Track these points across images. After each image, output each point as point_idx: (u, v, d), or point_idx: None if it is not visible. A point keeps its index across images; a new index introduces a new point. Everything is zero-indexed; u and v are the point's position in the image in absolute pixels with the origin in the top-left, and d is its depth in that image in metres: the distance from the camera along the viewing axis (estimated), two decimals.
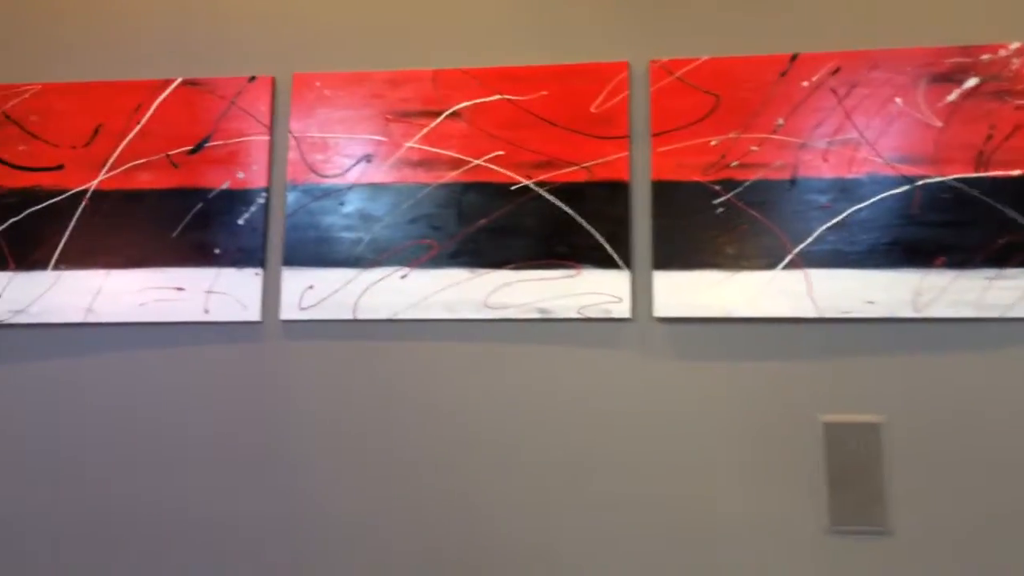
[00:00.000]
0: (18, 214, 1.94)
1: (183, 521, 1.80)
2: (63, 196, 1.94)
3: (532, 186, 1.86)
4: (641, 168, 1.84)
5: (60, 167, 1.95)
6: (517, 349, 1.81)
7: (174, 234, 1.91)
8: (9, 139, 1.97)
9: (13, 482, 1.85)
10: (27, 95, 1.99)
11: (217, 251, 1.89)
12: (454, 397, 1.80)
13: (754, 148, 1.80)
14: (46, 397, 1.87)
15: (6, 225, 1.93)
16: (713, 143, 1.82)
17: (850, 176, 1.77)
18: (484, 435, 1.78)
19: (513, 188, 1.86)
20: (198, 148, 1.94)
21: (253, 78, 1.96)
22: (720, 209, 1.79)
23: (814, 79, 1.81)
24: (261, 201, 1.91)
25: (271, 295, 1.87)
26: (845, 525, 1.69)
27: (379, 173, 1.90)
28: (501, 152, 1.88)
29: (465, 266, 1.84)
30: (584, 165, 1.85)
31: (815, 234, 1.76)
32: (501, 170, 1.87)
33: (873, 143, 1.78)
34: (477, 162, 1.88)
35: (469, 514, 1.75)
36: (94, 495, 1.83)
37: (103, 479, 1.83)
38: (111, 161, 1.95)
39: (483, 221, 1.86)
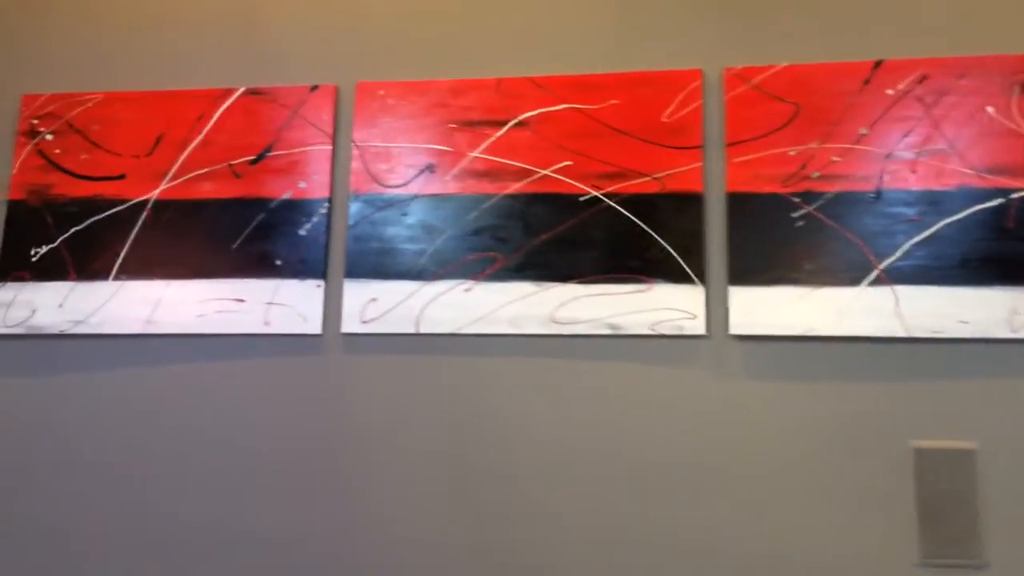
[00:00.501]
0: (80, 223, 1.92)
1: (242, 536, 1.76)
2: (125, 206, 1.92)
3: (601, 197, 1.79)
4: (715, 179, 1.77)
5: (122, 176, 1.94)
6: (585, 366, 1.74)
7: (235, 245, 1.88)
8: (72, 148, 1.96)
9: (70, 493, 1.82)
10: (90, 104, 1.98)
11: (278, 262, 1.86)
12: (519, 414, 1.73)
13: (836, 159, 1.72)
14: (106, 408, 1.84)
15: (68, 234, 1.92)
16: (792, 153, 1.74)
17: (939, 188, 1.68)
18: (549, 454, 1.71)
19: (581, 199, 1.80)
20: (260, 158, 1.91)
21: (316, 87, 1.93)
22: (800, 222, 1.71)
23: (899, 87, 1.73)
24: (323, 211, 1.87)
25: (332, 307, 1.83)
26: (937, 558, 1.58)
27: (443, 183, 1.85)
28: (569, 162, 1.82)
29: (531, 280, 1.78)
30: (655, 176, 1.78)
31: (902, 249, 1.67)
32: (569, 181, 1.81)
33: (963, 154, 1.69)
34: (544, 172, 1.82)
35: (533, 534, 1.68)
36: (152, 507, 1.79)
37: (160, 491, 1.79)
38: (173, 171, 1.92)
39: (550, 233, 1.80)
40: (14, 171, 1.96)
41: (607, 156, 1.81)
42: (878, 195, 1.70)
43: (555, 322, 1.76)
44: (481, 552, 1.69)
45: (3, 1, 2.07)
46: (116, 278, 1.88)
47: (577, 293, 1.76)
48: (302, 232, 1.87)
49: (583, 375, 1.73)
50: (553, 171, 1.82)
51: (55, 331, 1.87)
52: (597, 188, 1.80)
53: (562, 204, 1.81)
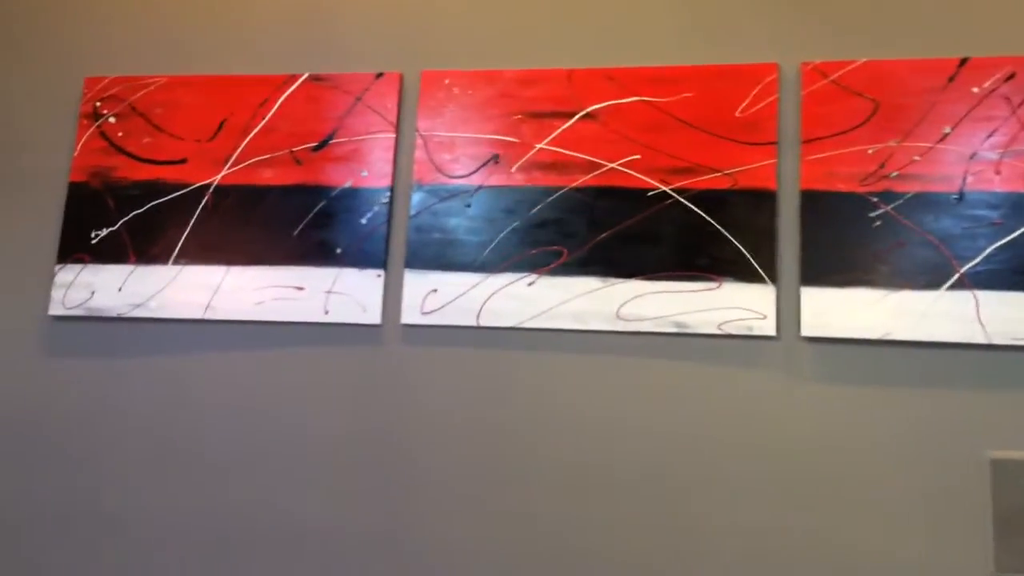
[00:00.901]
0: (141, 207, 1.91)
1: (296, 526, 1.74)
2: (186, 190, 1.91)
3: (670, 192, 1.75)
4: (790, 176, 1.72)
5: (184, 161, 1.92)
6: (651, 364, 1.70)
7: (295, 232, 1.86)
8: (135, 131, 1.95)
9: (125, 476, 1.81)
10: (153, 87, 1.97)
11: (338, 251, 1.83)
12: (581, 411, 1.70)
13: (916, 158, 1.67)
14: (163, 393, 1.83)
15: (129, 217, 1.91)
16: (870, 152, 1.69)
17: None
18: (611, 453, 1.67)
19: (649, 194, 1.76)
20: (322, 145, 1.89)
21: (380, 75, 1.90)
22: (877, 222, 1.66)
23: (985, 85, 1.67)
24: (385, 201, 1.84)
25: (392, 298, 1.80)
26: (1011, 572, 1.53)
27: (508, 175, 1.82)
28: (637, 156, 1.78)
29: (596, 275, 1.74)
30: (727, 172, 1.74)
31: (984, 253, 1.61)
32: (637, 175, 1.77)
33: None
34: (612, 166, 1.78)
35: (593, 535, 1.64)
36: (206, 495, 1.77)
37: (216, 479, 1.78)
38: (235, 156, 1.91)
39: (616, 228, 1.76)
40: (76, 153, 1.95)
41: (677, 150, 1.77)
42: (960, 196, 1.64)
43: (620, 319, 1.72)
44: (534, 549, 1.66)
45: None
46: (176, 262, 1.87)
47: (643, 290, 1.72)
48: (363, 221, 1.84)
49: (648, 374, 1.69)
50: (621, 164, 1.78)
51: (114, 314, 1.86)
52: (666, 183, 1.76)
53: (630, 198, 1.77)
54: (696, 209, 1.74)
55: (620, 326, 1.72)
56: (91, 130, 1.96)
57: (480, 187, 1.82)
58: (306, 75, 1.93)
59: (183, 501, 1.78)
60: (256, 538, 1.74)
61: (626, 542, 1.63)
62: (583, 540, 1.65)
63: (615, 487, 1.66)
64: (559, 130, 1.82)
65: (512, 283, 1.77)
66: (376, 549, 1.71)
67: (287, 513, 1.74)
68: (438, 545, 1.69)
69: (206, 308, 1.84)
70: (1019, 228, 1.62)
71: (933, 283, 1.62)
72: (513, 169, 1.82)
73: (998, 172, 1.64)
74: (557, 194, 1.79)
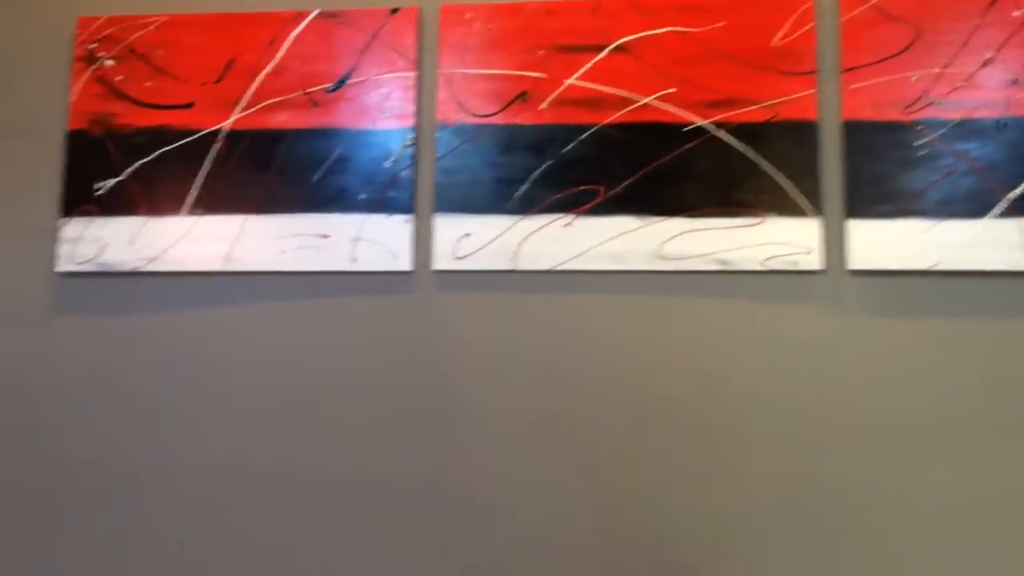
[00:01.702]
0: (148, 155, 1.80)
1: (324, 478, 1.68)
2: (195, 136, 1.80)
3: (708, 127, 1.70)
4: (830, 106, 1.68)
5: (190, 105, 1.82)
6: (694, 303, 1.66)
7: (315, 178, 1.77)
8: (135, 74, 1.83)
9: (148, 434, 1.73)
10: (152, 27, 1.85)
11: (362, 196, 1.75)
12: (623, 354, 1.66)
13: (960, 84, 1.63)
14: (184, 348, 1.75)
15: (136, 166, 1.80)
16: (913, 79, 1.65)
17: None
18: (655, 396, 1.64)
19: (686, 129, 1.71)
20: (338, 85, 1.80)
21: (396, 10, 1.81)
22: (922, 151, 1.63)
23: None
24: (408, 142, 1.76)
25: (423, 243, 1.73)
26: None
27: (537, 112, 1.74)
28: (673, 89, 1.72)
29: (635, 213, 1.69)
30: (766, 104, 1.69)
31: None
32: (673, 109, 1.71)
33: None
34: (646, 100, 1.72)
35: (632, 479, 1.62)
36: (231, 449, 1.71)
37: (241, 434, 1.71)
38: (245, 99, 1.81)
39: (653, 165, 1.70)
40: (73, 99, 1.83)
41: (714, 83, 1.71)
42: (1004, 123, 1.61)
43: (661, 258, 1.68)
44: (575, 495, 1.63)
45: None
46: (189, 213, 1.77)
47: (684, 228, 1.68)
48: (387, 164, 1.76)
49: (692, 313, 1.66)
50: (656, 99, 1.72)
51: (127, 268, 1.77)
52: (703, 117, 1.70)
53: (666, 134, 1.71)
54: (735, 143, 1.69)
55: (662, 265, 1.67)
56: (87, 74, 1.84)
57: (508, 126, 1.75)
58: (316, 11, 1.83)
59: (208, 458, 1.71)
60: (287, 492, 1.68)
61: (670, 485, 1.61)
62: (627, 485, 1.62)
63: (659, 432, 1.63)
64: (589, 64, 1.75)
65: (547, 224, 1.71)
66: (407, 500, 1.66)
67: (313, 466, 1.69)
68: (470, 494, 1.65)
69: (226, 259, 1.76)
70: None
71: (978, 211, 1.60)
72: (542, 106, 1.75)
73: None
74: (590, 131, 1.73)
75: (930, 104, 1.64)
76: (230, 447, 1.71)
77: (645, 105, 1.72)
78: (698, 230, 1.68)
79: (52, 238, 1.80)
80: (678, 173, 1.69)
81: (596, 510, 1.62)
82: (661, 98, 1.72)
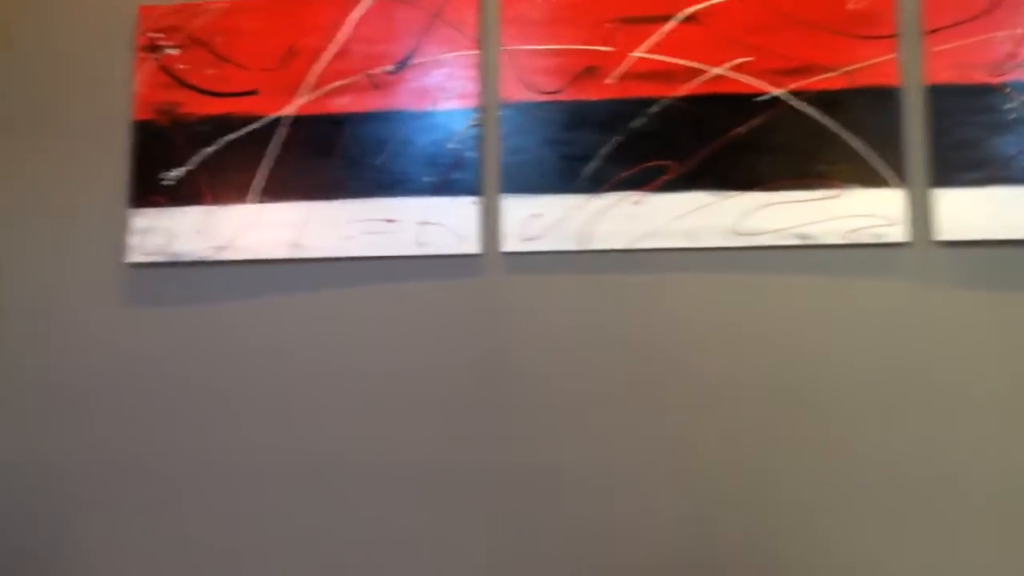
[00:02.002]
0: (213, 143, 1.80)
1: (395, 465, 1.67)
2: (259, 123, 1.79)
3: (783, 96, 1.64)
4: (912, 71, 1.61)
5: (253, 92, 1.80)
6: (774, 280, 1.61)
7: (378, 161, 1.75)
8: (198, 62, 1.83)
9: (222, 422, 1.73)
10: (212, 14, 1.84)
11: (427, 179, 1.73)
12: (699, 334, 1.61)
13: None
14: (253, 336, 1.74)
15: (201, 155, 1.79)
16: (1000, 38, 1.57)
17: None
18: (736, 377, 1.59)
19: (760, 99, 1.65)
20: (400, 67, 1.77)
21: None
22: (1012, 114, 1.55)
23: None
24: (472, 122, 1.73)
25: (490, 225, 1.70)
26: None
27: (604, 87, 1.70)
28: (745, 59, 1.66)
29: (708, 188, 1.64)
30: (844, 70, 1.62)
31: None
32: (746, 79, 1.66)
33: None
34: (718, 71, 1.67)
35: (716, 462, 1.58)
36: (302, 436, 1.70)
37: (312, 420, 1.70)
38: (308, 84, 1.79)
39: (726, 138, 1.65)
40: (137, 89, 1.83)
41: (788, 50, 1.65)
42: None
43: (738, 233, 1.62)
44: (656, 479, 1.59)
45: None
46: (255, 200, 1.76)
47: (760, 202, 1.63)
48: (450, 145, 1.73)
49: (771, 290, 1.61)
50: (728, 69, 1.66)
51: (196, 258, 1.76)
52: (778, 86, 1.64)
53: (739, 105, 1.66)
54: (813, 112, 1.63)
55: (738, 241, 1.62)
56: (150, 64, 1.83)
57: (575, 102, 1.71)
58: None
59: (283, 446, 1.71)
60: (362, 480, 1.67)
61: (754, 464, 1.57)
62: (708, 465, 1.58)
63: (742, 414, 1.58)
64: (657, 35, 1.70)
65: (618, 203, 1.67)
66: (475, 489, 1.64)
67: (382, 452, 1.67)
68: (543, 484, 1.62)
69: (293, 246, 1.75)
70: None
71: None
72: (610, 80, 1.70)
73: None
74: (659, 105, 1.68)
75: (1019, 65, 1.56)
76: (303, 435, 1.70)
77: (716, 76, 1.67)
78: (775, 204, 1.62)
79: (121, 229, 1.80)
80: (753, 145, 1.64)
81: (678, 492, 1.58)
82: (733, 68, 1.66)
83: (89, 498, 1.75)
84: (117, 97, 1.84)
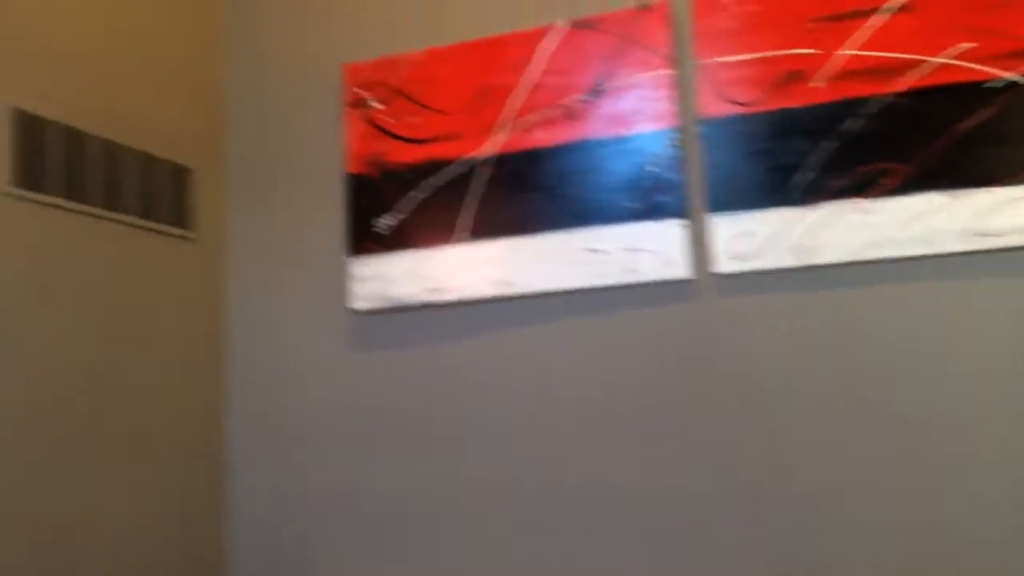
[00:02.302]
0: (419, 188, 1.86)
1: (625, 496, 1.65)
2: (460, 165, 1.83)
3: (1017, 79, 1.49)
4: None
5: (453, 136, 1.85)
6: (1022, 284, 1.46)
7: (577, 190, 1.74)
8: (400, 112, 1.90)
9: (444, 460, 1.78)
10: (410, 65, 1.90)
11: (628, 204, 1.70)
12: (941, 348, 1.49)
13: None
14: (472, 374, 1.78)
15: (408, 200, 1.86)
16: None
17: None
18: (985, 391, 1.45)
19: (989, 86, 1.51)
20: (593, 94, 1.76)
21: (645, 6, 1.74)
22: None
23: None
24: (672, 143, 1.69)
25: (699, 247, 1.66)
26: None
27: (810, 91, 1.61)
28: (969, 44, 1.52)
29: (940, 189, 1.52)
30: None
31: None
32: (972, 66, 1.52)
33: None
34: (938, 61, 1.54)
35: (970, 478, 1.44)
36: (518, 472, 1.71)
37: (528, 454, 1.71)
38: (504, 121, 1.81)
39: (955, 132, 1.52)
40: (347, 143, 1.92)
41: (1017, 29, 1.49)
42: None
43: (981, 235, 1.49)
44: (893, 502, 1.48)
45: None
46: (463, 240, 1.81)
47: (1002, 197, 1.48)
48: (650, 168, 1.70)
49: (1020, 295, 1.46)
50: (949, 57, 1.53)
51: (413, 301, 1.83)
52: (1009, 69, 1.50)
53: (966, 95, 1.52)
54: None
55: (981, 244, 1.49)
56: (358, 118, 1.92)
57: (779, 111, 1.63)
58: (562, 22, 1.80)
59: (514, 481, 1.73)
60: (594, 511, 1.67)
61: (971, 491, 1.42)
62: (958, 481, 1.46)
63: (997, 430, 1.44)
64: (864, 30, 1.59)
65: (837, 212, 1.57)
66: (698, 519, 1.59)
67: (601, 485, 1.66)
68: (765, 513, 1.55)
69: (501, 283, 1.77)
70: None
71: None
72: (816, 83, 1.61)
73: None
74: (874, 104, 1.57)
75: None
76: (514, 469, 1.72)
77: (938, 66, 1.54)
78: (1018, 199, 1.47)
79: (340, 276, 1.90)
80: (986, 137, 1.50)
81: (926, 507, 1.47)
82: (957, 55, 1.53)
83: (322, 536, 1.84)
84: (329, 151, 1.95)
